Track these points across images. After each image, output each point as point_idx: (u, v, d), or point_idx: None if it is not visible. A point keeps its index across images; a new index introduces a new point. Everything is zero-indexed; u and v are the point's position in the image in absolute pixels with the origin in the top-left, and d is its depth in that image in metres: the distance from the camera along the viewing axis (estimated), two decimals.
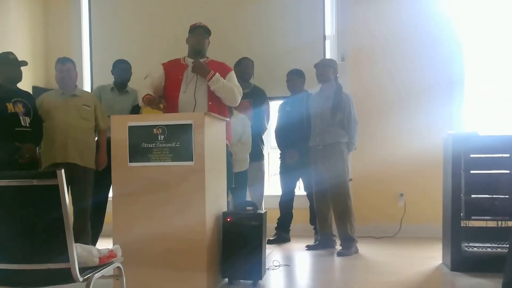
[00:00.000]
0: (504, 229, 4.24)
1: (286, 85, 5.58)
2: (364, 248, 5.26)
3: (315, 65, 5.19)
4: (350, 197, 5.09)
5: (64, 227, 2.17)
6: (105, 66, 5.70)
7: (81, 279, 2.21)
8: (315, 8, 6.23)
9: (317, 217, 5.32)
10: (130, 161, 3.64)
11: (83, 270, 2.28)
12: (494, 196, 4.20)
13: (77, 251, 2.28)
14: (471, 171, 4.22)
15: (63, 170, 2.16)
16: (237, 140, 4.82)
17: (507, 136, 4.30)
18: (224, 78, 4.19)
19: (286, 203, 5.68)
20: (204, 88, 4.14)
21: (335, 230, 5.26)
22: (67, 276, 2.20)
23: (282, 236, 5.67)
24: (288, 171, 5.53)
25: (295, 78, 5.55)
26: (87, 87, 6.62)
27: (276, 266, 4.43)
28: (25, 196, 2.25)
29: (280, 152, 5.66)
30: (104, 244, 2.63)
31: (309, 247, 5.28)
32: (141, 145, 3.63)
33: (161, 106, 4.14)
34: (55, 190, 2.16)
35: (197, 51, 4.27)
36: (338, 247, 5.12)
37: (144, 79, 4.28)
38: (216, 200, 3.84)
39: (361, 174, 5.67)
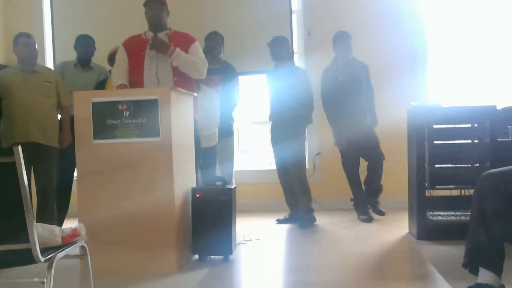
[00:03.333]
0: (467, 198, 4.28)
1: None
2: (332, 220, 5.34)
3: (268, 43, 5.33)
4: (306, 170, 5.39)
5: (23, 206, 2.10)
6: (68, 42, 5.54)
7: (42, 259, 2.14)
8: None
9: (283, 190, 5.44)
10: (94, 139, 3.57)
11: (45, 250, 2.21)
12: (457, 165, 4.30)
13: (38, 230, 2.21)
14: (435, 142, 4.30)
15: (20, 147, 2.07)
16: (205, 115, 4.76)
17: (468, 107, 4.38)
18: (188, 50, 4.11)
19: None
20: (167, 64, 4.06)
21: None
22: (28, 256, 2.12)
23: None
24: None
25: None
26: (49, 64, 6.44)
27: (246, 240, 4.44)
28: None
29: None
30: (70, 225, 2.57)
31: (279, 221, 5.37)
32: (106, 121, 3.55)
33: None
34: (12, 168, 2.07)
35: (154, 25, 4.16)
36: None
37: (114, 68, 4.23)
38: (185, 176, 3.80)
39: (329, 147, 5.68)
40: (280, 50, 5.29)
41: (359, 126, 5.23)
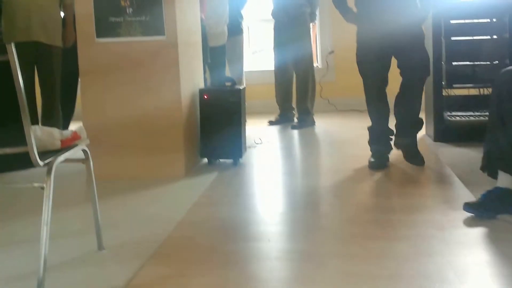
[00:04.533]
0: (486, 97, 4.14)
1: None
2: (347, 122, 5.23)
3: None
4: (314, 69, 5.20)
5: (19, 107, 1.97)
6: None
7: (41, 163, 2.03)
8: None
9: (277, 90, 5.35)
10: (97, 37, 3.44)
11: (43, 154, 2.10)
12: (476, 63, 4.16)
13: (36, 133, 2.09)
14: (452, 38, 4.14)
15: (13, 44, 1.93)
16: (213, 11, 4.50)
17: (486, 1, 4.18)
18: None
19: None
20: None
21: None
22: (26, 160, 2.01)
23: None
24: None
25: None
26: None
27: (257, 143, 4.34)
28: None
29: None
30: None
31: (271, 123, 5.35)
32: (109, 19, 3.41)
33: None
34: (7, 67, 1.94)
35: None
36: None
37: None
38: (192, 77, 3.67)
39: (343, 46, 5.42)
40: None
41: (399, 15, 3.40)
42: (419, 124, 3.55)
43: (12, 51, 1.93)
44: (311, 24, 5.21)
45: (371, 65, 3.44)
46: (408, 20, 3.38)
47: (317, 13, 5.24)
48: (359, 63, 3.55)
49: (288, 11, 5.04)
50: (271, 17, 5.39)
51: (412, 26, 3.40)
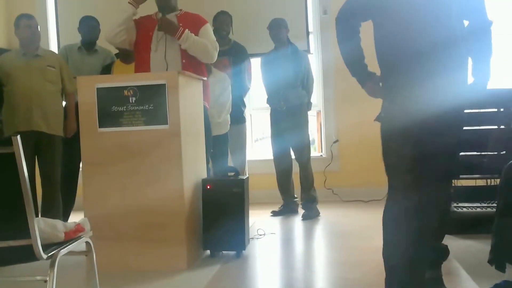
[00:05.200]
0: (494, 188, 4.06)
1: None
2: (352, 213, 5.10)
3: (268, 26, 5.17)
4: (310, 159, 5.17)
5: (23, 200, 1.97)
6: (72, 24, 5.30)
7: (45, 256, 2.03)
8: None
9: (278, 179, 5.27)
10: (100, 126, 3.42)
11: (47, 246, 2.11)
12: (483, 153, 4.07)
13: (40, 226, 2.10)
14: None
15: (19, 137, 1.94)
16: (215, 100, 4.52)
17: (494, 90, 4.09)
18: (198, 32, 3.89)
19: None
20: (176, 46, 3.84)
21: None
22: (29, 253, 2.02)
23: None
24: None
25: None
26: (53, 47, 6.23)
27: (260, 235, 4.21)
28: None
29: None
30: (77, 218, 2.43)
31: (274, 213, 5.22)
32: (111, 108, 3.40)
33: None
34: (12, 159, 1.94)
35: (162, 5, 3.95)
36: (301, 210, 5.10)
37: None
38: (195, 167, 3.60)
39: (348, 135, 5.45)
40: (282, 32, 5.12)
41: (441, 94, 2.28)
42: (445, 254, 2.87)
43: (18, 144, 1.95)
44: (316, 112, 5.23)
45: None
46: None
47: (312, 101, 5.25)
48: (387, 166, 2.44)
49: (287, 100, 5.07)
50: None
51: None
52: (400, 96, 2.29)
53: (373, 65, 2.44)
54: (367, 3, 2.41)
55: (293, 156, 5.26)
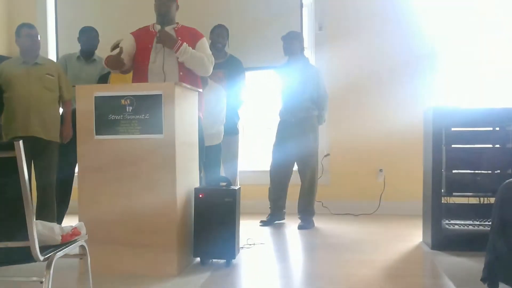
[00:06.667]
0: (486, 206, 4.10)
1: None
2: (342, 226, 5.15)
3: (282, 37, 5.18)
4: (317, 172, 5.17)
5: (23, 203, 2.04)
6: (71, 34, 5.40)
7: (41, 258, 2.10)
8: None
9: (273, 188, 5.27)
10: (96, 134, 3.48)
11: (44, 248, 2.18)
12: (477, 171, 4.09)
13: (38, 228, 2.17)
14: (453, 146, 4.11)
15: (21, 142, 2.00)
16: (210, 112, 4.60)
17: (489, 109, 4.17)
18: (195, 45, 3.98)
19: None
20: (173, 58, 3.91)
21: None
22: (27, 255, 2.09)
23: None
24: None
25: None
26: (52, 56, 6.31)
27: (250, 244, 4.27)
28: None
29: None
30: (70, 222, 2.48)
31: (263, 223, 5.27)
32: (108, 116, 3.46)
33: (122, 58, 3.79)
34: (13, 163, 2.01)
35: (162, 17, 4.02)
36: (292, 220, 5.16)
37: (111, 51, 4.04)
38: (188, 176, 3.66)
39: (339, 149, 5.51)
40: (294, 45, 5.15)
41: None
42: None
43: (20, 148, 2.01)
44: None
45: None
46: None
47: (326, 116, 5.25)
48: None
49: (295, 113, 5.11)
50: (265, 118, 5.48)
51: None
52: None
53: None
54: None
55: (295, 168, 5.29)
